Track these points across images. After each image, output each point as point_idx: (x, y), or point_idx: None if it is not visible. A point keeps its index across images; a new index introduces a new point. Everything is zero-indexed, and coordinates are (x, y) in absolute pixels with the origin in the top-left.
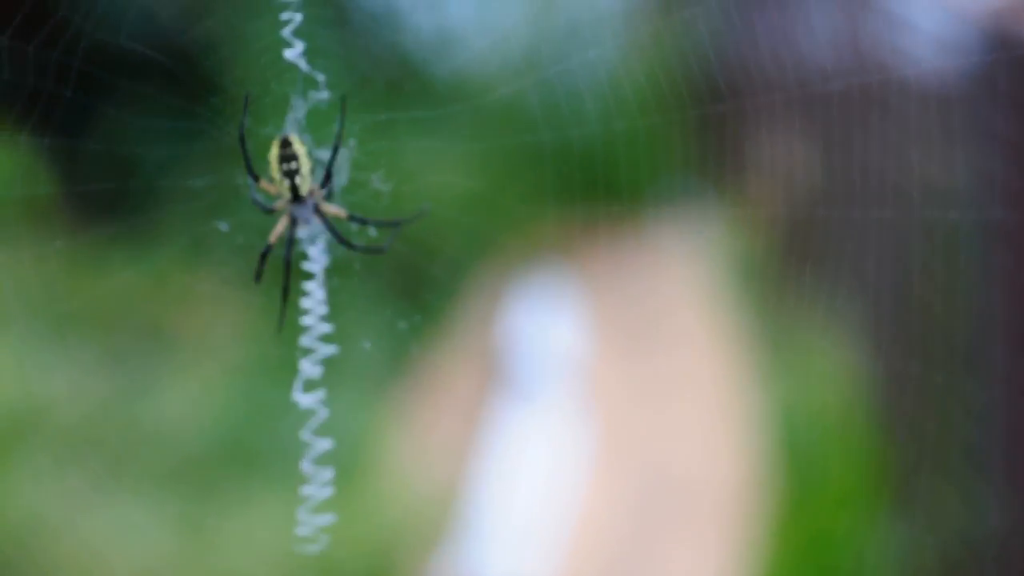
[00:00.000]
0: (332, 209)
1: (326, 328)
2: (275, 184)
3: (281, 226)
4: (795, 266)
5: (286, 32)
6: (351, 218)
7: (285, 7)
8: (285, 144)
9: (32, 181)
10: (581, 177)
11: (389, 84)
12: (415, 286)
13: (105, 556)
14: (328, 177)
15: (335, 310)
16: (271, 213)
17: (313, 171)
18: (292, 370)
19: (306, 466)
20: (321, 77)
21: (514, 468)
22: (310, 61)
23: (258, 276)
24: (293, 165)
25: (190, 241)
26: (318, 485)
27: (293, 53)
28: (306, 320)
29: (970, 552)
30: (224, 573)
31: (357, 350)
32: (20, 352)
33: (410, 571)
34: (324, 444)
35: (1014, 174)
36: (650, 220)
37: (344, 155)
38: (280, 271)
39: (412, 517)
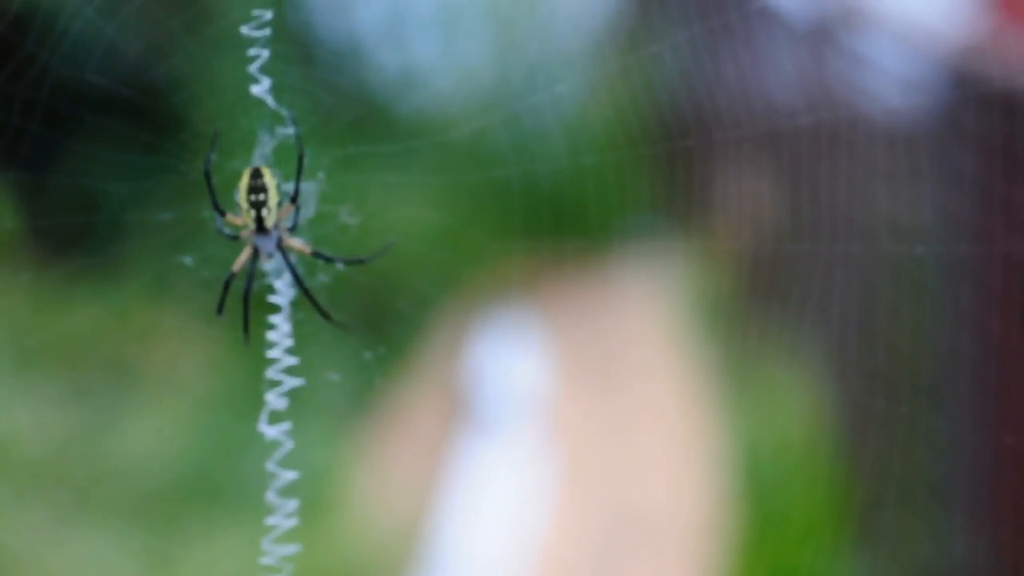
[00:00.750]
0: (296, 244)
1: (292, 361)
2: (242, 215)
3: (244, 256)
4: (760, 302)
5: (253, 68)
6: (315, 254)
7: (252, 43)
8: (256, 175)
9: None
10: (547, 212)
11: (355, 120)
12: (380, 319)
13: None
14: (293, 202)
15: (301, 343)
16: (235, 240)
17: (280, 204)
18: (257, 403)
19: (271, 497)
20: (287, 113)
21: (478, 503)
22: (277, 97)
23: (220, 307)
24: (262, 196)
25: (155, 275)
26: (282, 516)
27: (260, 89)
28: (272, 353)
29: None
30: None
31: (322, 383)
32: None
33: None
34: (288, 476)
35: (979, 211)
36: (615, 256)
37: (312, 188)
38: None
39: (377, 550)
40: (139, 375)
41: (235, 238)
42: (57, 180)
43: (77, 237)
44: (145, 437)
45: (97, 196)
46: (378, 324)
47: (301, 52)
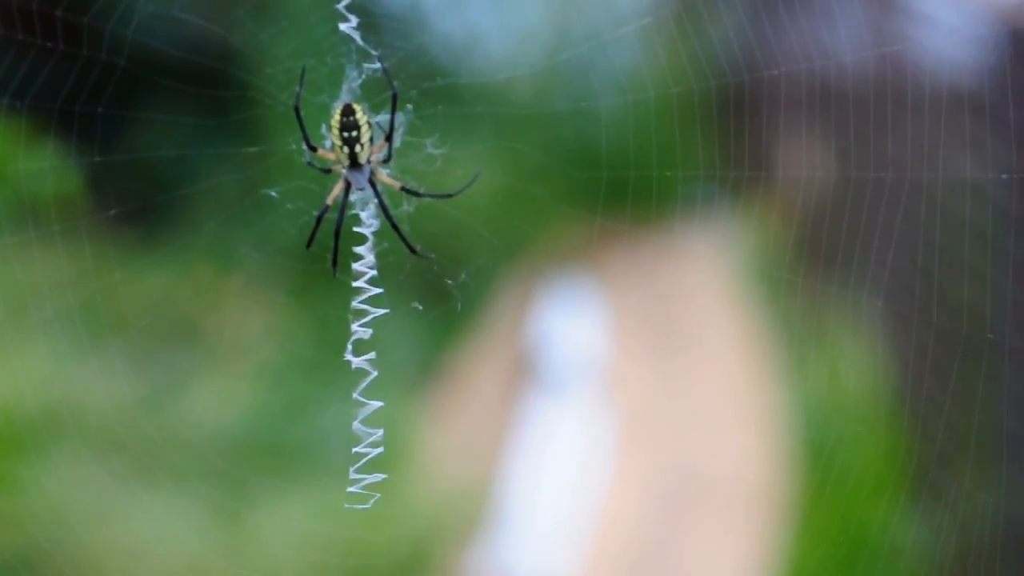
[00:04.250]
0: (386, 179)
1: (376, 291)
2: (333, 151)
3: (337, 190)
4: (815, 260)
5: (340, 6)
6: (403, 189)
7: None
8: (347, 111)
9: (66, 181)
10: (605, 174)
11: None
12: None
13: (140, 548)
14: (388, 139)
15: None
16: (328, 174)
17: (372, 139)
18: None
19: (344, 455)
20: (375, 52)
21: (543, 464)
22: (364, 36)
23: (311, 241)
24: (354, 133)
25: (231, 217)
26: (356, 476)
27: (348, 26)
28: (357, 284)
29: (998, 539)
30: (261, 563)
31: (387, 351)
32: (55, 353)
33: (443, 562)
34: (364, 435)
35: None
36: (675, 217)
37: (400, 119)
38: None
39: (443, 511)
40: (208, 337)
41: (327, 172)
42: (145, 115)
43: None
44: (212, 399)
45: (184, 130)
46: (456, 258)
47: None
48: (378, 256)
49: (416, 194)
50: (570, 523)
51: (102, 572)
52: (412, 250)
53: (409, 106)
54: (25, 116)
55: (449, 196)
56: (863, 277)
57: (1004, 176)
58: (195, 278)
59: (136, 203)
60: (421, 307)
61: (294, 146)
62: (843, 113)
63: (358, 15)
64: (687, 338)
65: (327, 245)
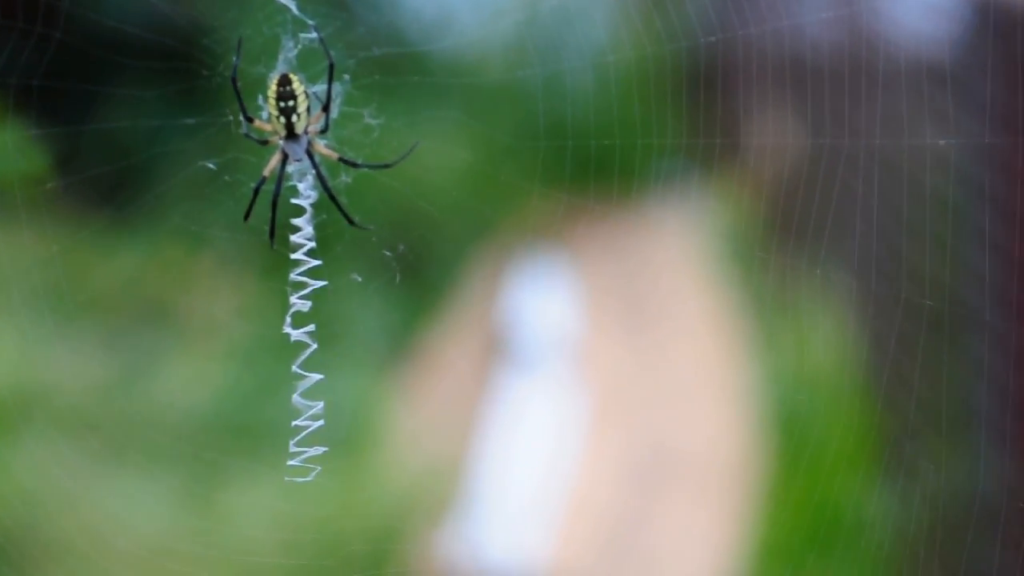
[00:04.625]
0: (324, 149)
1: (315, 263)
2: (270, 122)
3: (274, 161)
4: (785, 234)
5: None
6: (341, 159)
7: None
8: (284, 81)
9: (30, 160)
10: (573, 152)
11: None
12: (403, 226)
13: (111, 529)
14: (325, 110)
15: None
16: (264, 145)
17: (309, 110)
18: (293, 346)
19: (305, 435)
20: (311, 21)
21: (515, 441)
22: (300, 6)
23: (248, 213)
24: (291, 103)
25: (182, 182)
26: (319, 455)
27: None
28: (296, 256)
29: (968, 511)
30: (233, 542)
31: (358, 329)
32: (23, 334)
33: (415, 539)
34: (321, 412)
35: (1000, 137)
36: (643, 193)
37: (337, 90)
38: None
39: (415, 489)
40: (175, 319)
41: (264, 143)
42: (95, 89)
43: (109, 154)
44: (183, 379)
45: (127, 103)
46: (400, 228)
47: None
48: (318, 227)
49: (354, 165)
50: (542, 500)
51: (72, 553)
52: (350, 221)
53: (346, 76)
54: None
55: (387, 166)
56: (833, 250)
57: (972, 144)
58: (162, 258)
59: (71, 176)
60: (360, 279)
61: (231, 117)
62: (816, 83)
63: None
64: (658, 314)
65: (266, 217)
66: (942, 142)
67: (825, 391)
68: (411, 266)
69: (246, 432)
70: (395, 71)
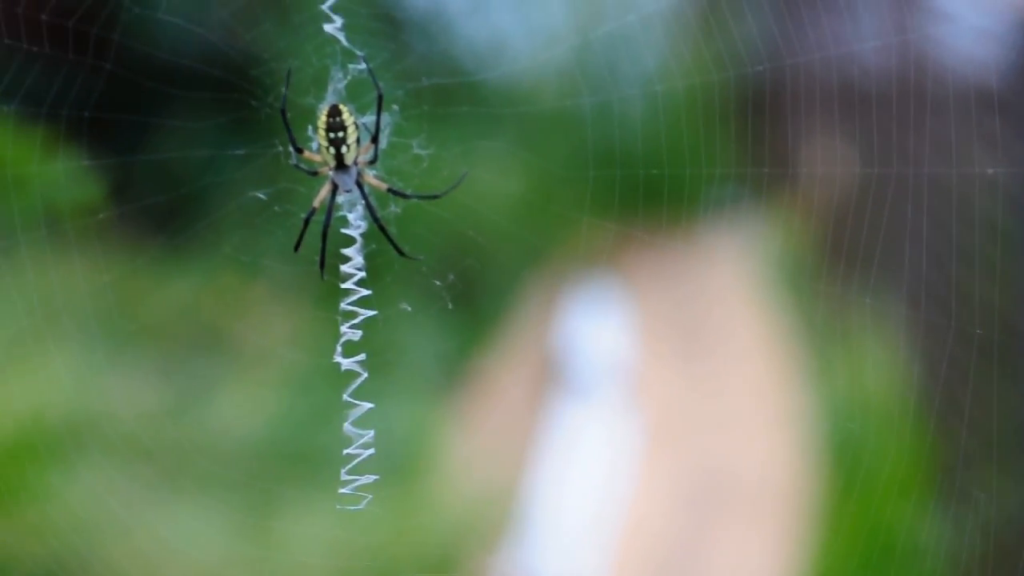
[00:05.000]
0: (373, 180)
1: (365, 292)
2: (320, 153)
3: (324, 192)
4: (836, 261)
5: (325, 7)
6: (390, 190)
7: None
8: (334, 112)
9: (83, 189)
10: (628, 180)
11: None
12: (466, 291)
13: (165, 557)
14: (375, 140)
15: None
16: (315, 176)
17: (359, 141)
18: (348, 373)
19: (360, 463)
20: (360, 52)
21: (569, 468)
22: (349, 37)
23: (298, 244)
24: (340, 134)
25: (233, 211)
26: (374, 482)
27: (333, 27)
28: (346, 284)
29: (1021, 538)
30: (287, 570)
31: (412, 357)
32: (77, 363)
33: (470, 566)
34: (373, 440)
35: None
36: (697, 220)
37: (386, 120)
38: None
39: (469, 516)
40: (228, 346)
41: (314, 174)
42: (150, 119)
43: (162, 183)
44: (237, 407)
45: (178, 134)
46: (450, 258)
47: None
48: (368, 257)
49: (403, 195)
50: (597, 526)
51: None
52: (400, 251)
53: (395, 107)
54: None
55: (435, 197)
56: (883, 276)
57: (1022, 172)
58: (216, 286)
59: (124, 205)
60: (410, 308)
61: (281, 148)
62: (865, 110)
63: (343, 16)
64: (711, 340)
65: (317, 247)
66: (990, 171)
67: (877, 417)
68: (463, 294)
69: (300, 460)
70: (444, 101)
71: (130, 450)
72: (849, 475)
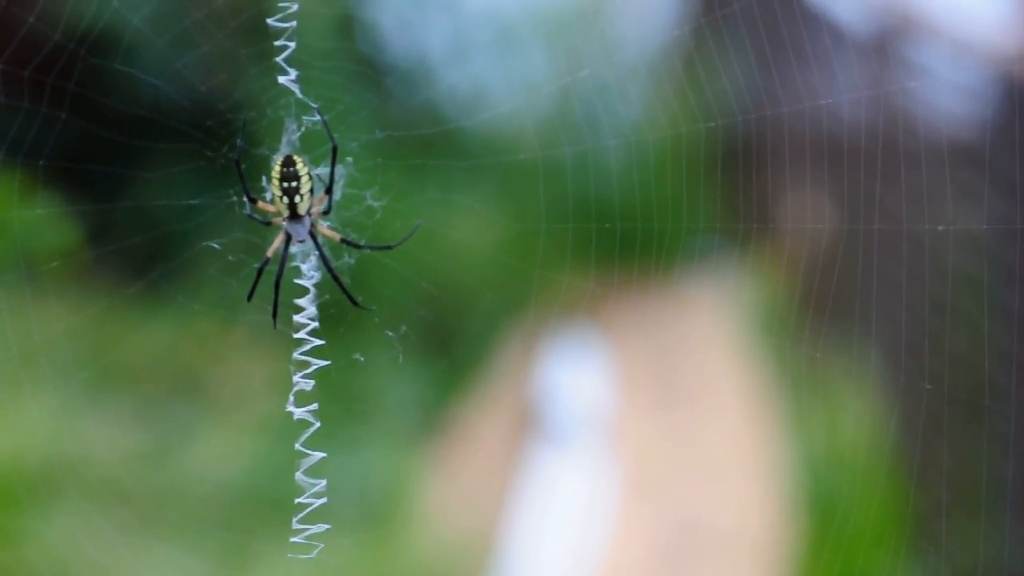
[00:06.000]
0: (327, 230)
1: (319, 342)
2: (274, 203)
3: (277, 242)
4: (818, 313)
5: (280, 59)
6: (344, 241)
7: (278, 35)
8: (288, 163)
9: (54, 236)
10: (605, 228)
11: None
12: (443, 335)
13: None
14: (328, 192)
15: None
16: (268, 225)
17: (312, 191)
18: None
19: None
20: (315, 104)
21: (546, 516)
22: (303, 90)
23: (251, 294)
24: (294, 184)
25: (187, 260)
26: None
27: (287, 79)
28: (299, 335)
29: None
30: None
31: (390, 405)
32: (54, 406)
33: None
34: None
35: None
36: (675, 271)
37: (340, 172)
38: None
39: (446, 564)
40: (206, 391)
41: (268, 224)
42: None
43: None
44: (215, 452)
45: (122, 183)
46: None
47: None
48: (322, 307)
49: (356, 246)
50: (574, 574)
51: None
52: (353, 302)
53: (349, 159)
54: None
55: (388, 248)
56: (863, 328)
57: (1003, 228)
58: (194, 331)
59: (97, 250)
60: (363, 359)
61: (235, 198)
62: (843, 164)
63: (297, 68)
64: (690, 390)
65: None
66: (966, 226)
67: (855, 469)
68: (436, 343)
69: (276, 506)
70: (398, 154)
71: (108, 493)
72: (826, 526)
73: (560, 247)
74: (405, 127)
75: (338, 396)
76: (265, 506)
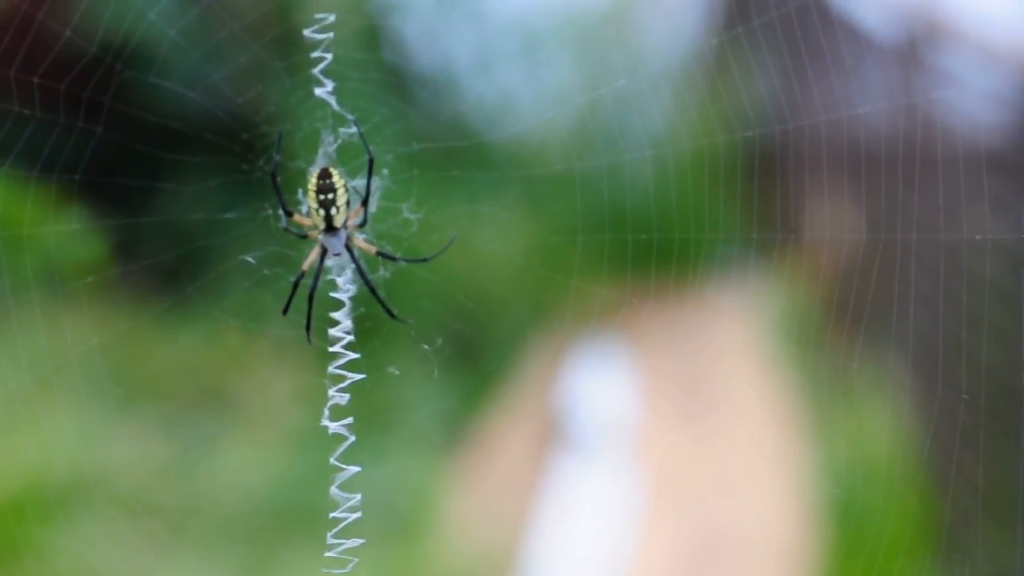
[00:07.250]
0: (362, 243)
1: (354, 355)
2: (310, 216)
3: (313, 255)
4: (842, 321)
5: (316, 71)
6: (379, 254)
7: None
8: (324, 175)
9: (85, 250)
10: (630, 235)
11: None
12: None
13: None
14: (365, 204)
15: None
16: (304, 239)
17: (348, 203)
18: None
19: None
20: (351, 116)
21: (570, 527)
22: (340, 101)
23: (287, 307)
24: (330, 196)
25: (222, 275)
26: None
27: (323, 91)
28: (334, 348)
29: None
30: None
31: (420, 417)
32: (83, 418)
33: None
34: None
35: None
36: (702, 281)
37: (375, 184)
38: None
39: (470, 574)
40: (233, 403)
41: (304, 237)
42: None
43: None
44: (241, 463)
45: (160, 197)
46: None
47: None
48: (357, 320)
49: (392, 258)
50: None
51: None
52: (391, 314)
53: (385, 171)
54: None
55: (424, 260)
56: (890, 338)
57: None
58: (222, 343)
59: (127, 266)
60: (397, 372)
61: (270, 211)
62: (871, 173)
63: (334, 79)
64: (715, 399)
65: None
66: (999, 236)
67: (880, 478)
68: (464, 354)
69: (301, 519)
70: (433, 165)
71: (136, 504)
72: (851, 536)
73: (596, 257)
74: (436, 139)
75: (371, 409)
76: (294, 519)
